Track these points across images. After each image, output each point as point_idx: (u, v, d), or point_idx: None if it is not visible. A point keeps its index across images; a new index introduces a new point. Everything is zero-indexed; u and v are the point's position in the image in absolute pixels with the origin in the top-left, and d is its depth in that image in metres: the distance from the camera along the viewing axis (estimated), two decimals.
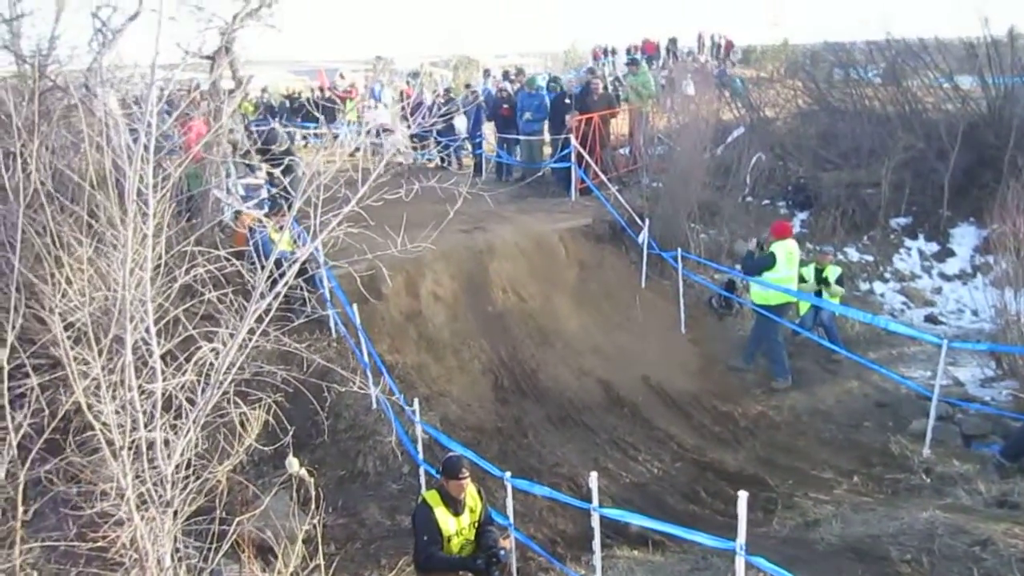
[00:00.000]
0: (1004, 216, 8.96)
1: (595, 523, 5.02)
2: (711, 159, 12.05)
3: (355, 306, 7.68)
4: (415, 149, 13.55)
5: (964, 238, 11.28)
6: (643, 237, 10.14)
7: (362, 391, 7.67)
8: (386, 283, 8.92)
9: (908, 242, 11.65)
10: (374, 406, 7.55)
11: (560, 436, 7.93)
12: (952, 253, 11.24)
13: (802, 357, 9.19)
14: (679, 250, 9.77)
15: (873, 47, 15.36)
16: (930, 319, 10.13)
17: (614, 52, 24.38)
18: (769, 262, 8.52)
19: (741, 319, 9.78)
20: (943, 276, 10.97)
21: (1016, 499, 5.44)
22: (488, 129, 13.78)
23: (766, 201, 12.78)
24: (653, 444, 7.77)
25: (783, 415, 8.22)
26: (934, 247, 11.46)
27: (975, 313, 9.96)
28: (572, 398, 8.46)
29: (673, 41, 24.35)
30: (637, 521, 4.96)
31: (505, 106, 13.46)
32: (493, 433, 7.87)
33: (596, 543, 5.10)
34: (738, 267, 9.54)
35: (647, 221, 10.22)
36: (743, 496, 3.87)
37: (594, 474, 4.98)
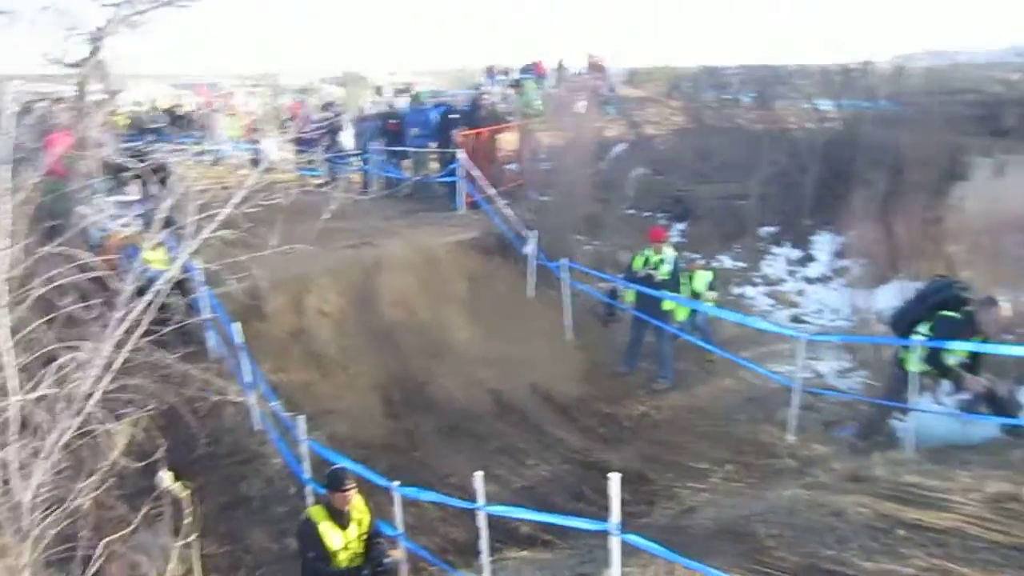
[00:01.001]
0: (855, 224, 9.80)
1: (481, 522, 5.11)
2: (595, 174, 12.54)
3: (237, 326, 7.51)
4: (301, 166, 13.42)
5: (824, 244, 12.18)
6: (530, 248, 10.40)
7: (244, 413, 7.53)
8: (270, 301, 8.79)
9: (775, 249, 12.48)
10: (257, 427, 7.37)
11: (451, 447, 8.00)
12: (813, 258, 12.10)
13: (681, 359, 9.65)
14: (565, 261, 10.07)
15: (744, 71, 16.47)
16: (795, 319, 10.85)
17: (505, 72, 24.86)
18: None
19: (625, 325, 10.16)
20: (806, 279, 11.79)
21: (866, 474, 5.91)
22: (377, 145, 13.78)
23: (647, 213, 13.39)
24: (542, 448, 7.96)
25: (664, 413, 8.60)
26: (798, 253, 12.30)
27: (834, 312, 10.75)
28: (463, 409, 8.55)
29: (561, 63, 25.11)
30: (519, 515, 5.08)
31: (392, 121, 13.51)
32: (383, 448, 7.86)
33: (483, 542, 5.19)
34: (621, 276, 9.92)
35: (534, 233, 10.49)
36: (614, 478, 4.06)
37: (478, 474, 5.08)
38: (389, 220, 11.54)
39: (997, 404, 6.78)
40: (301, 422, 6.51)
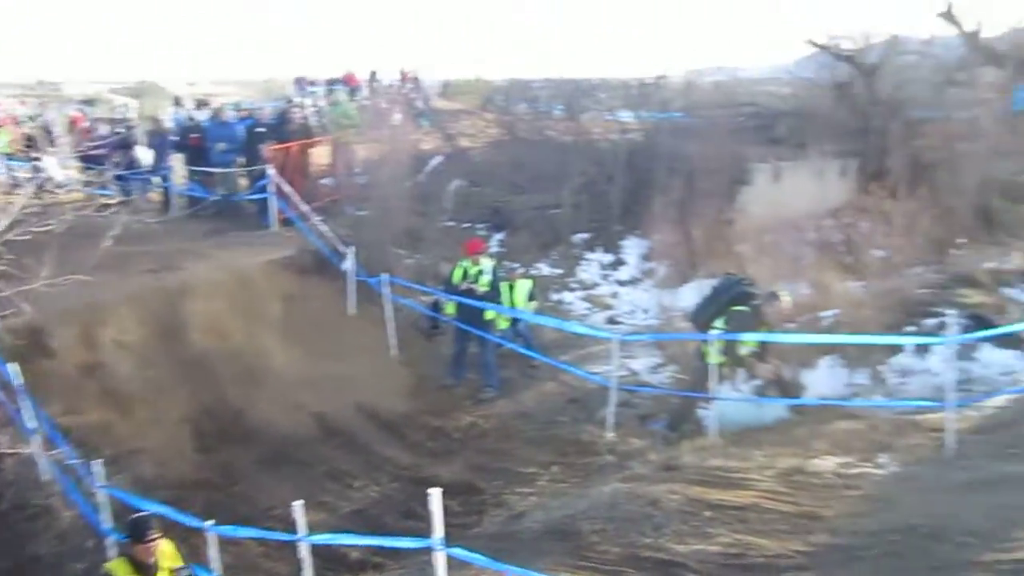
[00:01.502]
0: (659, 228, 10.51)
1: (303, 553, 4.88)
2: (413, 187, 12.51)
3: (13, 366, 6.66)
4: (88, 185, 12.20)
5: (633, 248, 12.95)
6: (349, 265, 10.15)
7: (28, 463, 6.69)
8: (56, 336, 7.90)
9: (589, 255, 13.10)
10: (44, 478, 6.59)
11: (273, 477, 7.59)
12: (624, 262, 12.84)
13: (506, 367, 9.83)
14: (386, 276, 9.92)
15: (551, 85, 17.19)
16: (610, 320, 11.44)
17: (313, 83, 24.18)
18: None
19: (449, 337, 10.19)
20: (618, 282, 12.48)
21: (677, 462, 6.33)
22: (177, 161, 12.85)
23: (466, 224, 13.56)
24: (370, 469, 7.77)
25: (491, 422, 8.71)
26: (610, 258, 13.00)
27: (645, 312, 11.45)
28: (284, 435, 8.15)
29: (373, 74, 24.85)
30: (343, 542, 4.92)
31: (193, 136, 12.68)
32: (197, 485, 7.30)
33: (306, 574, 4.96)
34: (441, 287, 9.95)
35: (352, 249, 10.25)
36: (435, 493, 4.04)
37: (298, 503, 4.85)
38: (195, 242, 10.79)
39: (784, 387, 7.54)
40: (97, 467, 5.89)
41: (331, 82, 22.94)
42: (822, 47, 15.66)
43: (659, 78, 18.04)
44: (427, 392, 9.32)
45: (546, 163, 14.35)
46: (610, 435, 7.70)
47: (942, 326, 8.07)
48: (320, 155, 13.62)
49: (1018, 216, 12.53)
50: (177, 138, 13.03)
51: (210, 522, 5.32)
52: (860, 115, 14.39)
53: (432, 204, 12.70)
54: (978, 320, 8.48)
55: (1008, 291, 9.55)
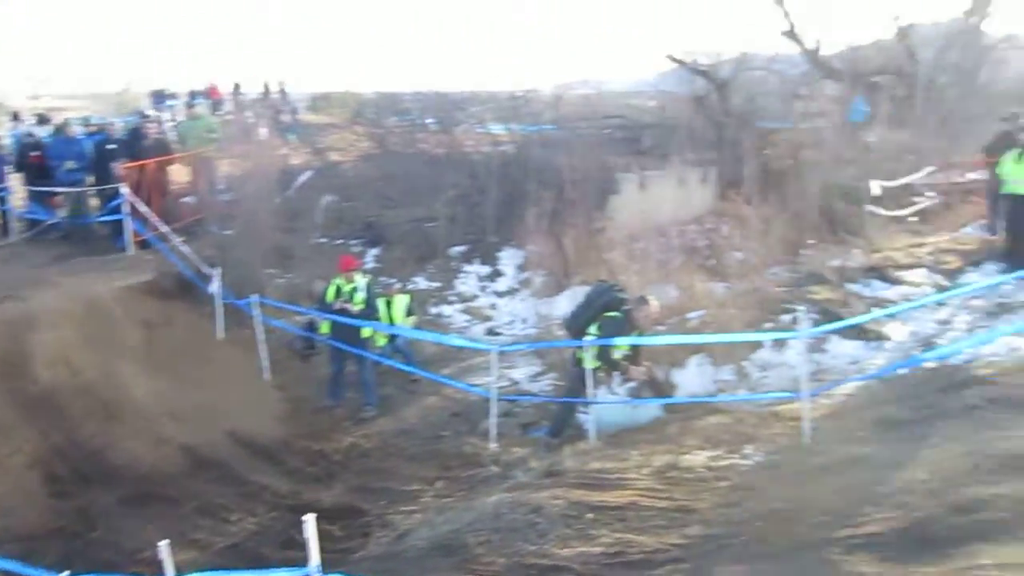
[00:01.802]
0: (533, 238, 10.68)
1: None
2: (282, 203, 12.10)
3: None
4: None
5: (509, 259, 13.08)
6: (215, 287, 9.68)
7: None
8: None
9: (466, 267, 13.12)
10: None
11: (139, 518, 7.07)
12: (501, 273, 12.95)
13: (386, 384, 9.68)
14: (256, 297, 9.54)
15: (421, 98, 17.17)
16: (490, 331, 11.50)
17: (173, 96, 23.01)
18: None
19: (325, 357, 9.92)
20: (497, 293, 12.56)
21: (558, 468, 6.45)
22: (15, 181, 11.83)
23: (339, 240, 13.28)
24: (246, 500, 7.40)
25: (373, 441, 8.53)
26: (487, 269, 13.07)
27: (524, 321, 11.59)
28: (150, 472, 7.62)
29: (237, 87, 23.92)
30: None
31: (34, 153, 11.70)
32: (51, 535, 6.70)
33: None
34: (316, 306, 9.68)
35: (218, 270, 9.79)
36: (309, 519, 3.92)
37: (163, 543, 4.53)
38: (39, 268, 9.95)
39: (657, 387, 7.84)
40: None
41: (192, 95, 21.92)
42: (680, 62, 16.50)
43: (529, 91, 18.44)
44: (304, 415, 9.02)
45: (419, 176, 14.31)
46: (493, 446, 7.73)
47: (795, 321, 8.66)
48: (180, 172, 12.92)
49: (859, 217, 13.63)
50: (14, 156, 12.01)
51: (66, 573, 4.89)
52: (716, 126, 15.25)
53: (303, 220, 12.34)
54: (827, 314, 9.15)
55: (852, 286, 10.36)
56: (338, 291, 8.98)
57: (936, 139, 16.17)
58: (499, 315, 12.02)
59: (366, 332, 9.02)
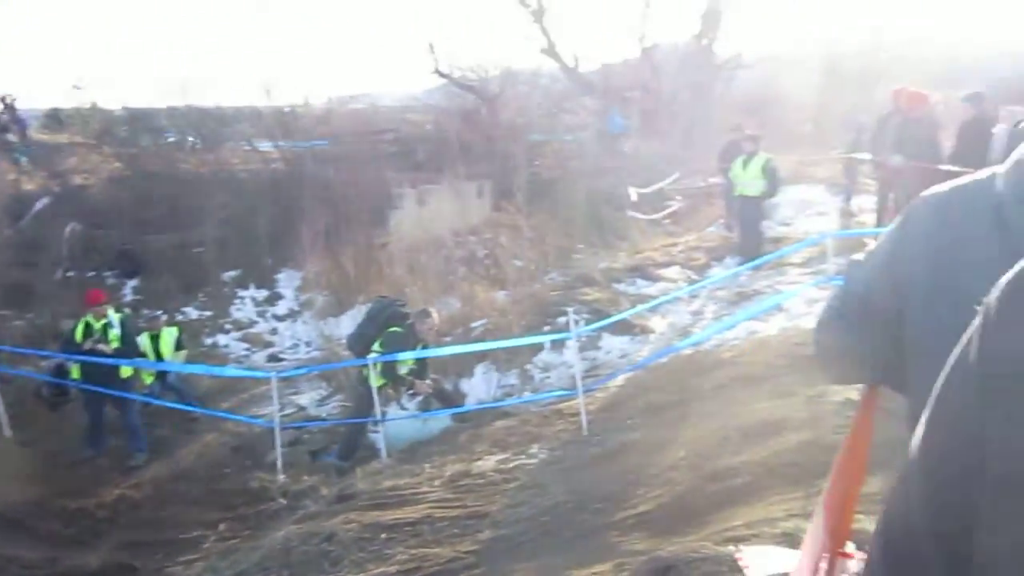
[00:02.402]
0: (312, 258, 10.36)
1: None
2: (14, 235, 10.67)
3: None
4: None
5: (288, 281, 12.60)
6: None
7: None
8: None
9: (241, 292, 12.44)
10: None
11: None
12: (281, 296, 12.43)
13: (158, 426, 8.89)
14: None
15: (176, 114, 15.97)
16: (273, 358, 10.99)
17: None
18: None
19: (80, 404, 8.90)
20: (276, 317, 12.05)
21: (350, 491, 6.29)
22: None
23: (91, 273, 11.99)
24: None
25: (145, 490, 7.76)
26: (264, 293, 12.49)
27: (308, 344, 11.21)
28: None
29: None
30: None
31: None
32: None
33: None
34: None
35: None
36: None
37: None
38: None
39: (445, 398, 7.94)
40: None
41: None
42: (447, 77, 16.93)
43: (299, 106, 17.88)
44: (59, 472, 8.00)
45: (182, 198, 13.31)
46: (281, 477, 7.36)
47: (571, 323, 9.21)
48: None
49: (621, 222, 14.81)
50: None
51: None
52: (487, 140, 15.83)
53: (43, 253, 10.95)
54: (598, 313, 9.82)
55: (619, 286, 11.21)
56: (88, 329, 8.06)
57: (681, 148, 18.07)
58: (281, 340, 11.53)
59: (125, 372, 8.20)
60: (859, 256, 1.21)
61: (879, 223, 9.88)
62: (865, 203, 11.98)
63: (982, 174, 1.00)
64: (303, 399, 9.39)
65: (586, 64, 21.23)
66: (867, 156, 11.24)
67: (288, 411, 7.98)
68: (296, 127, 16.04)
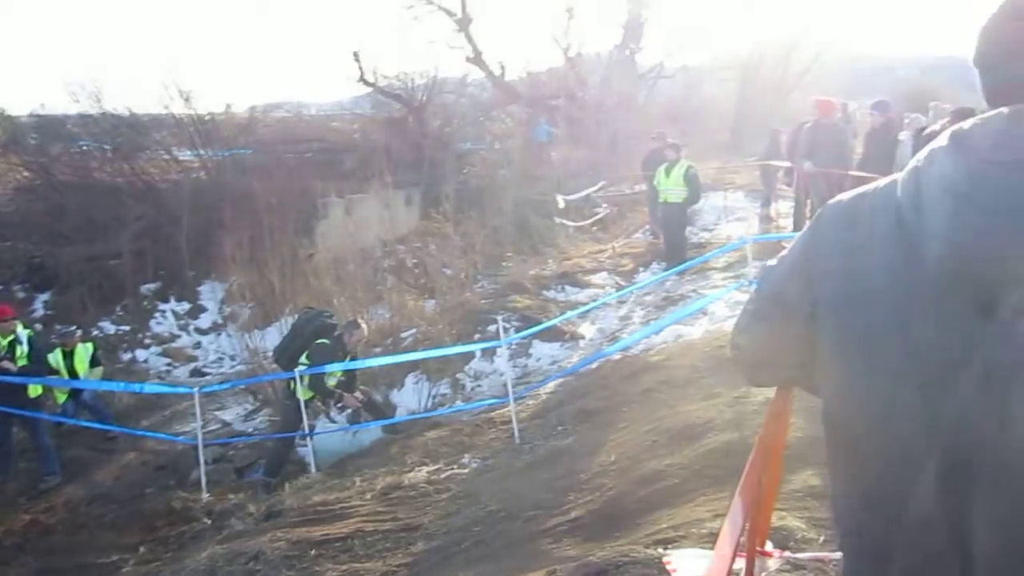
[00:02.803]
0: (237, 269, 10.08)
1: None
2: None
3: None
4: None
5: (211, 293, 12.23)
6: None
7: None
8: None
9: (162, 305, 12.01)
10: None
11: None
12: (204, 309, 12.05)
13: (72, 446, 8.49)
14: None
15: (92, 121, 15.31)
16: (196, 373, 10.64)
17: None
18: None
19: None
20: (199, 331, 11.68)
21: (279, 508, 6.14)
22: None
23: None
24: None
25: (58, 514, 7.38)
26: (186, 306, 12.09)
27: (233, 358, 10.90)
28: None
29: None
30: None
31: None
32: None
33: None
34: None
35: None
36: None
37: None
38: None
39: (376, 410, 7.85)
40: None
41: None
42: (372, 86, 16.78)
43: (220, 114, 17.40)
44: None
45: (96, 208, 12.75)
46: (205, 496, 7.12)
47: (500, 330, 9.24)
48: None
49: (550, 229, 14.97)
50: None
51: None
52: (415, 148, 15.76)
53: None
54: (528, 320, 9.89)
55: (548, 293, 11.33)
56: None
57: (606, 156, 18.41)
58: (204, 354, 11.19)
59: (34, 391, 7.79)
60: (773, 261, 1.25)
61: (796, 227, 10.29)
62: (783, 208, 12.45)
63: (885, 181, 1.06)
64: (228, 415, 9.13)
65: (512, 72, 21.42)
66: (783, 163, 11.70)
67: (212, 427, 7.73)
68: (217, 136, 15.60)
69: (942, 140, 0.97)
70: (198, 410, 7.28)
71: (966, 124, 0.97)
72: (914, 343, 0.94)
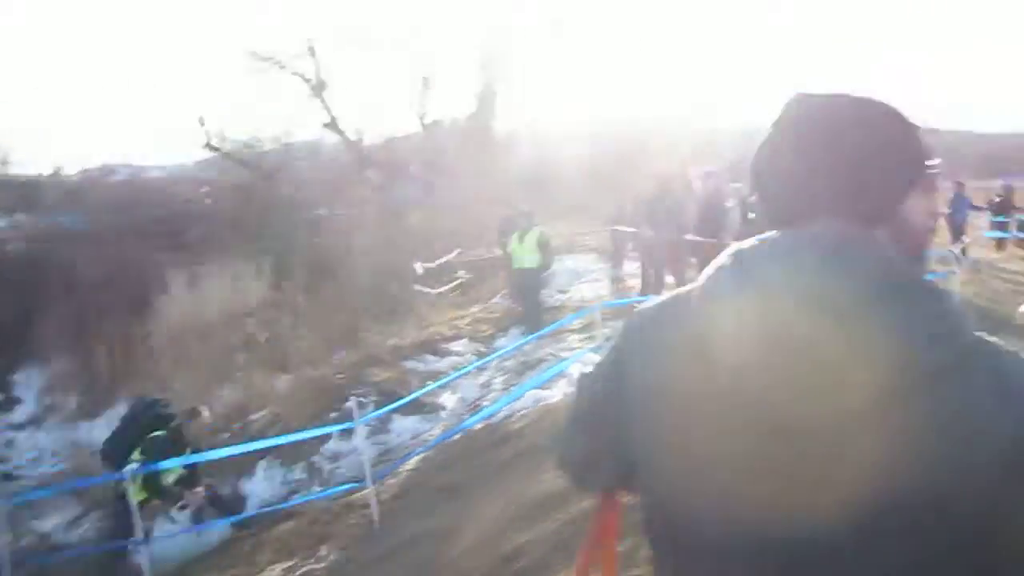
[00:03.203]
0: (61, 353, 9.12)
1: None
2: None
3: None
4: None
5: (29, 382, 10.99)
6: None
7: None
8: None
9: None
10: None
11: None
12: (19, 400, 10.80)
13: None
14: None
15: None
16: (7, 476, 9.42)
17: None
18: None
19: None
20: (13, 426, 10.41)
21: None
22: None
23: None
24: None
25: None
26: None
27: (54, 455, 9.75)
28: None
29: None
30: None
31: None
32: None
33: None
34: None
35: None
36: None
37: None
38: None
39: (222, 505, 7.21)
40: None
41: None
42: (218, 150, 16.14)
43: (46, 177, 16.06)
44: None
45: None
46: None
47: (358, 407, 8.86)
48: None
49: (409, 296, 14.75)
50: None
51: None
52: (264, 216, 15.19)
53: None
54: (387, 394, 9.56)
55: (407, 363, 11.05)
56: None
57: (463, 222, 18.57)
58: (17, 453, 9.92)
59: None
60: (588, 368, 1.28)
61: (643, 290, 10.72)
62: (633, 269, 12.98)
63: (685, 289, 1.11)
64: (48, 523, 8.08)
65: (370, 137, 21.34)
66: (628, 229, 12.25)
67: (27, 540, 6.76)
68: (40, 202, 14.34)
69: (724, 259, 1.01)
70: (4, 523, 6.36)
71: (745, 244, 1.01)
72: (711, 452, 0.98)
